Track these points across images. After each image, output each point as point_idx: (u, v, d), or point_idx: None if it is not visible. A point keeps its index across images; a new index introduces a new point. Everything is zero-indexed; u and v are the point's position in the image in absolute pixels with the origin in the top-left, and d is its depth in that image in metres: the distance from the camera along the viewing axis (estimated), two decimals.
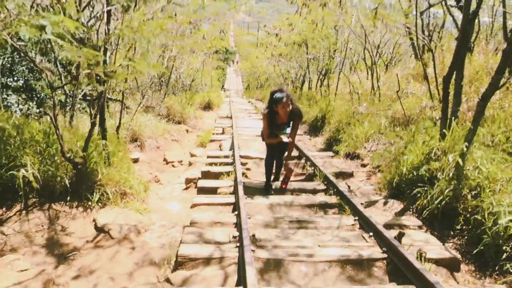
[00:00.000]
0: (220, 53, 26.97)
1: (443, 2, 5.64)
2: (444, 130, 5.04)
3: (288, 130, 5.51)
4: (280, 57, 19.34)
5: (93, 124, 4.56)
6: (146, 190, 5.56)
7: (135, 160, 7.38)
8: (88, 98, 5.44)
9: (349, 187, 5.94)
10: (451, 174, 4.51)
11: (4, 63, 7.00)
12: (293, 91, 19.01)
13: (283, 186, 5.71)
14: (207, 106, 18.95)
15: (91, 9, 5.91)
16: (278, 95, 5.18)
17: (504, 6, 6.15)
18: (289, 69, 20.19)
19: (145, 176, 6.62)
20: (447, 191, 4.34)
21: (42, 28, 3.23)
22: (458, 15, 6.57)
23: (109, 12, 5.05)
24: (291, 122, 5.47)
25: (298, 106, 5.50)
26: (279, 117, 5.36)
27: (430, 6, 6.02)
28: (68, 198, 4.41)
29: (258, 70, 32.17)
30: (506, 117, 5.50)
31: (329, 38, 12.32)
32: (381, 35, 11.42)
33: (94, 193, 4.57)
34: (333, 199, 5.25)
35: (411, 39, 9.70)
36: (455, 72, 4.95)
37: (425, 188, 4.70)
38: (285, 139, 5.36)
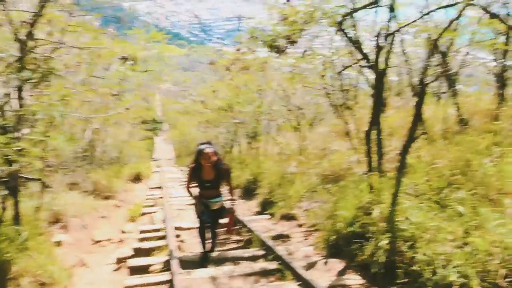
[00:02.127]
0: (147, 123, 26.70)
1: (356, 64, 6.05)
2: (371, 183, 5.18)
3: (218, 199, 5.38)
4: (207, 123, 19.49)
5: (3, 209, 4.12)
6: (70, 277, 5.03)
7: (58, 243, 6.77)
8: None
9: (287, 250, 5.81)
10: (383, 226, 4.57)
11: None
12: (223, 155, 19.07)
13: (228, 230, 5.55)
14: (137, 178, 18.28)
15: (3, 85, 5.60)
16: (203, 146, 5.13)
17: (408, 64, 6.72)
18: (217, 135, 20.33)
19: (70, 260, 6.05)
20: (383, 244, 4.37)
21: None
22: (369, 76, 7.06)
23: (20, 88, 4.78)
24: (219, 181, 5.29)
25: (226, 163, 5.43)
26: (205, 173, 5.18)
27: (345, 67, 6.43)
28: None
29: (188, 137, 32.10)
30: (424, 166, 5.79)
31: (253, 102, 12.65)
32: (303, 97, 11.94)
33: None
34: (273, 265, 5.07)
35: (329, 98, 10.22)
36: (374, 127, 5.19)
37: (362, 243, 4.70)
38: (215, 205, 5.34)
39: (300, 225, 7.23)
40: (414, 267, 3.94)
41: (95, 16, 6.37)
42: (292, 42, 5.27)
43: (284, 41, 5.23)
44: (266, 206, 8.98)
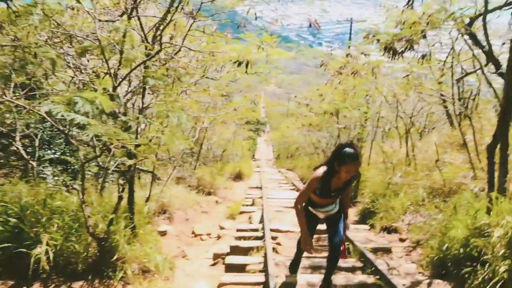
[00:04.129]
0: (251, 123, 27.39)
1: (480, 70, 5.50)
2: (490, 202, 4.67)
3: (332, 207, 4.26)
4: (310, 126, 19.37)
5: (120, 198, 4.47)
6: (172, 268, 5.29)
7: (163, 233, 7.20)
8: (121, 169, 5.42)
9: (388, 264, 5.50)
10: (502, 252, 4.08)
11: (43, 136, 7.17)
12: (324, 160, 18.80)
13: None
14: (238, 176, 18.87)
15: (128, 84, 6.09)
16: (350, 150, 3.76)
17: None
18: (320, 139, 20.12)
19: (173, 251, 6.38)
20: (501, 271, 3.90)
21: (74, 105, 3.25)
22: (494, 81, 6.38)
23: (144, 88, 5.14)
24: (346, 189, 4.16)
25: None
26: (334, 182, 3.98)
27: (466, 74, 5.89)
28: (90, 276, 4.21)
29: (289, 140, 32.29)
30: None
31: (360, 107, 12.25)
32: (414, 103, 11.27)
33: (117, 271, 4.35)
34: (372, 279, 4.82)
35: (445, 106, 9.50)
36: (500, 141, 4.66)
37: (475, 268, 4.25)
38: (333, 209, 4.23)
39: (403, 240, 6.82)
40: None
41: (213, 21, 6.62)
42: (411, 46, 4.95)
43: (401, 44, 4.93)
44: (366, 216, 8.64)
